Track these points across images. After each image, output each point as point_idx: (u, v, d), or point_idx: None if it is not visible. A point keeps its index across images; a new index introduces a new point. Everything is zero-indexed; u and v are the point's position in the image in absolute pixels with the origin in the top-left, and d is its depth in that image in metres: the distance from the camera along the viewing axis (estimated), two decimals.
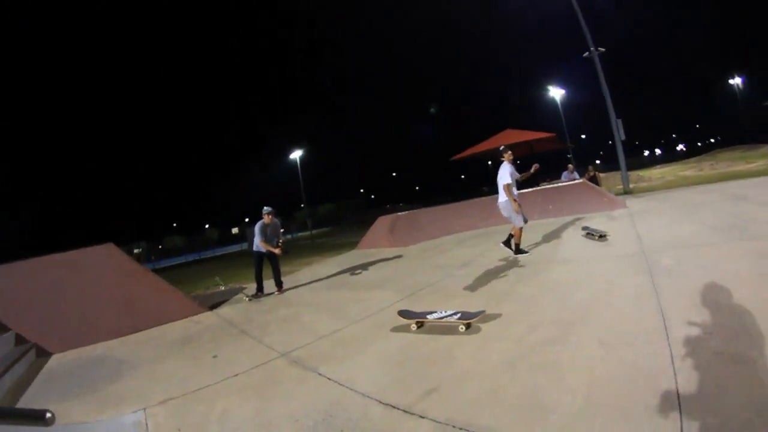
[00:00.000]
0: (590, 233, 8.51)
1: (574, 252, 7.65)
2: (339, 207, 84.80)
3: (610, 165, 42.85)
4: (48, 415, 1.33)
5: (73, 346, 6.54)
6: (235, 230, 75.26)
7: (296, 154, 42.52)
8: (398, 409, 3.03)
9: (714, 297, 3.95)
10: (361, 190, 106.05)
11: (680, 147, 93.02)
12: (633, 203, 13.27)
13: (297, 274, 11.34)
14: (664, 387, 2.63)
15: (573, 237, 9.00)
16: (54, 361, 6.10)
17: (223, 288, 11.17)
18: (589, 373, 3.03)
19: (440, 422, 2.76)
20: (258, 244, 8.71)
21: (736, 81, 56.65)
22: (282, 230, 9.30)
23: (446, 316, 4.59)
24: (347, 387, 3.57)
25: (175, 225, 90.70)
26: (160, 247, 74.13)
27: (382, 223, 15.14)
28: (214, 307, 8.30)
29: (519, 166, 8.22)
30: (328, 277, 9.91)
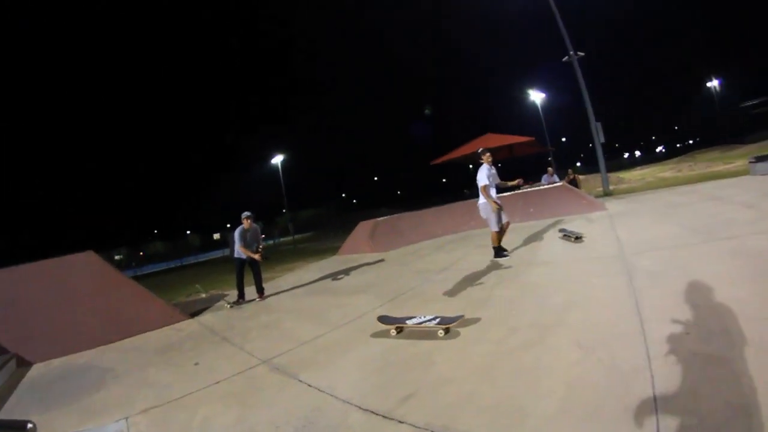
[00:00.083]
0: (567, 235, 8.69)
1: (553, 254, 7.77)
2: (321, 212, 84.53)
3: (591, 167, 43.44)
4: (29, 425, 1.37)
5: (55, 355, 6.47)
6: (216, 236, 74.67)
7: (278, 159, 42.42)
8: (377, 414, 3.08)
9: (691, 298, 4.04)
10: (343, 195, 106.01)
11: (659, 149, 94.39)
12: (612, 205, 13.49)
13: (279, 280, 11.32)
14: (641, 388, 2.68)
15: (552, 239, 9.14)
16: (35, 371, 6.04)
17: (204, 295, 11.12)
18: (566, 376, 3.08)
19: (419, 427, 2.81)
20: (238, 250, 8.72)
21: (714, 83, 57.97)
22: (263, 236, 9.30)
23: (425, 322, 4.65)
24: (327, 393, 3.61)
25: (156, 231, 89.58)
26: (141, 253, 73.24)
27: (363, 228, 15.17)
28: (195, 314, 8.25)
29: (499, 169, 8.32)
30: (309, 283, 9.91)
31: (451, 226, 14.66)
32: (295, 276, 11.84)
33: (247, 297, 8.82)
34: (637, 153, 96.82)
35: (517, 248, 8.73)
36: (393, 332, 4.81)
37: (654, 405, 2.48)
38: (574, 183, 16.72)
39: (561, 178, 17.37)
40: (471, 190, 7.88)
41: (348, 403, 3.35)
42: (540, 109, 37.31)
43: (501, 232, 8.03)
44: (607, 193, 18.72)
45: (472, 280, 6.86)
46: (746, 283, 4.11)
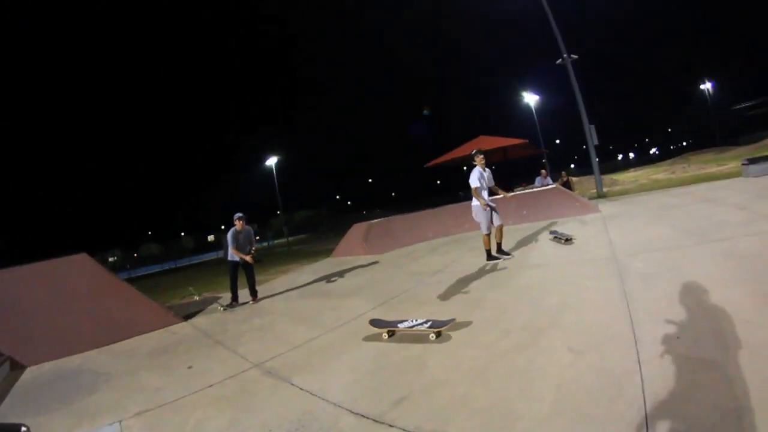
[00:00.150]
0: (557, 237, 8.77)
1: (546, 257, 7.80)
2: (315, 214, 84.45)
3: (585, 169, 43.66)
4: (23, 429, 1.40)
5: (48, 358, 6.46)
6: (211, 238, 74.58)
7: (272, 161, 42.37)
8: (368, 418, 3.10)
9: (683, 300, 4.08)
10: (337, 197, 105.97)
11: (653, 150, 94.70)
12: (606, 207, 13.56)
13: (272, 283, 11.33)
14: (631, 392, 2.70)
15: (545, 242, 9.18)
16: (29, 374, 6.03)
17: (197, 298, 11.11)
18: (557, 380, 3.10)
19: (409, 431, 2.84)
20: (231, 252, 8.71)
21: (707, 86, 58.36)
22: (257, 237, 9.29)
23: (417, 325, 4.68)
24: (319, 397, 3.63)
25: (150, 233, 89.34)
26: (135, 255, 73.06)
27: (357, 230, 15.19)
28: (189, 317, 8.26)
29: (493, 171, 8.37)
30: (303, 285, 9.92)
31: (445, 229, 14.69)
32: (288, 278, 11.85)
33: (241, 300, 8.82)
34: (631, 155, 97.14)
35: (510, 251, 8.75)
36: (385, 335, 4.83)
37: (644, 409, 2.50)
38: (567, 185, 16.79)
39: (555, 181, 17.44)
40: (465, 192, 7.94)
41: (339, 406, 3.37)
42: (534, 112, 37.42)
43: (499, 234, 8.09)
44: (601, 195, 18.77)
45: (465, 282, 6.89)
46: (738, 286, 4.14)
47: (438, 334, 4.52)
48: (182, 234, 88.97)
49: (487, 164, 8.27)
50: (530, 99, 37.93)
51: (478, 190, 7.86)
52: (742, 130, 49.29)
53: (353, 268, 10.94)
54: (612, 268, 5.92)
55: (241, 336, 6.34)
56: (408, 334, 4.75)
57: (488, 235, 8.01)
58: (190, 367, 5.20)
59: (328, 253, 16.16)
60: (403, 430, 2.87)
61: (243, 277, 8.85)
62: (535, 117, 37.08)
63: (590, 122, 19.25)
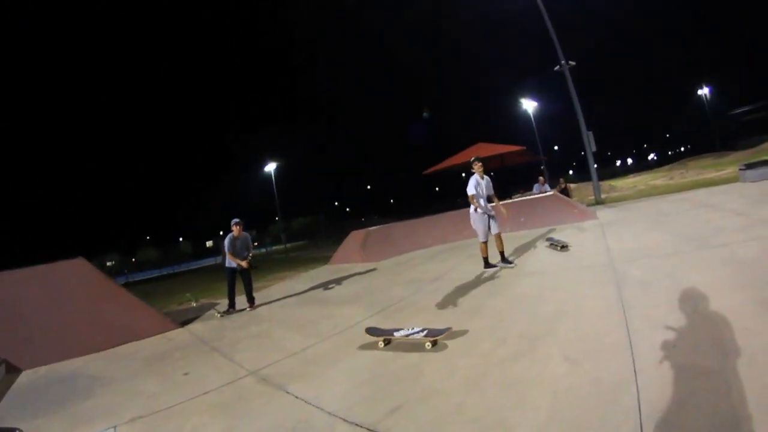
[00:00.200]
0: (553, 244, 8.79)
1: (543, 264, 7.79)
2: (313, 220, 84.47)
3: (583, 175, 43.66)
4: None
5: (44, 362, 6.48)
6: (209, 243, 74.53)
7: (271, 167, 42.43)
8: (363, 427, 3.09)
9: (680, 307, 4.05)
10: (336, 203, 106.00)
11: (651, 156, 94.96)
12: (604, 213, 13.52)
13: (270, 289, 11.34)
14: (626, 402, 2.67)
15: (543, 249, 9.16)
16: (24, 377, 6.04)
17: (194, 304, 11.11)
18: (553, 389, 3.09)
19: None
20: (228, 258, 8.71)
21: (704, 91, 58.64)
22: (255, 243, 9.30)
23: (412, 334, 4.67)
24: (314, 405, 3.62)
25: (148, 237, 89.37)
26: (133, 259, 73.06)
27: (355, 238, 15.18)
28: (185, 323, 8.26)
29: (491, 178, 8.37)
30: (300, 292, 9.92)
31: (443, 236, 14.63)
32: (286, 285, 11.86)
33: (238, 306, 8.82)
34: (630, 160, 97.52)
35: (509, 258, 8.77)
36: (381, 344, 4.83)
37: (639, 419, 2.49)
38: (565, 192, 16.80)
39: (553, 188, 17.45)
40: (464, 200, 7.95)
41: (334, 415, 3.37)
42: (532, 118, 37.52)
43: (499, 243, 8.08)
44: (599, 202, 18.77)
45: (462, 290, 6.88)
46: (737, 292, 4.12)
47: (434, 343, 4.51)
48: (180, 239, 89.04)
49: (486, 171, 8.28)
50: (529, 106, 38.05)
51: (475, 197, 7.88)
52: (740, 135, 49.52)
53: (351, 275, 10.93)
54: (609, 275, 5.91)
55: (238, 343, 6.34)
56: (404, 343, 4.74)
57: (485, 242, 8.01)
58: (186, 374, 5.20)
59: (325, 260, 16.17)
60: None
61: (240, 283, 8.85)
62: (534, 124, 37.20)
63: (588, 129, 19.31)
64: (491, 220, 7.99)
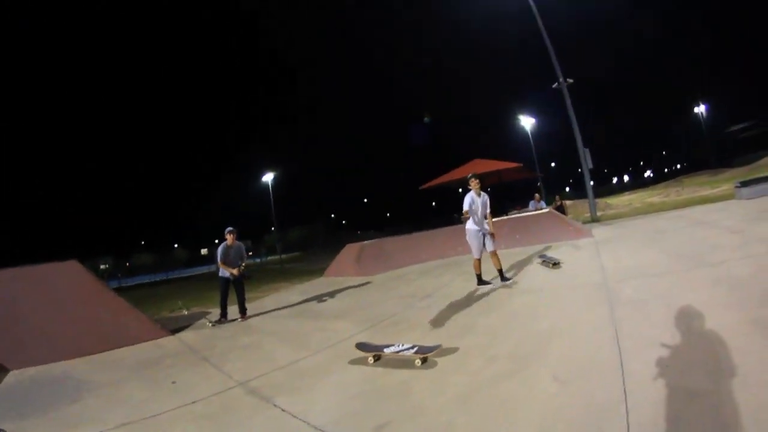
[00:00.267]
0: (545, 261, 8.82)
1: (536, 282, 7.78)
2: (309, 232, 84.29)
3: (579, 192, 44.01)
4: None
5: (33, 363, 6.42)
6: (204, 251, 74.23)
7: (268, 177, 42.48)
8: None
9: (673, 327, 4.06)
10: (332, 215, 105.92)
11: (648, 173, 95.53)
12: (599, 231, 13.58)
13: (263, 300, 11.31)
14: (616, 424, 2.66)
15: (537, 267, 9.15)
16: (12, 377, 6.00)
17: (186, 312, 11.06)
18: (542, 409, 3.08)
19: None
20: (220, 266, 8.68)
21: (701, 108, 59.10)
22: (250, 253, 9.29)
23: (403, 350, 4.68)
24: (301, 419, 3.62)
25: (143, 243, 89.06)
26: (127, 264, 72.80)
27: (349, 251, 15.19)
28: (177, 331, 8.23)
29: (489, 194, 8.38)
30: (292, 305, 9.90)
31: (438, 251, 14.62)
32: (279, 297, 11.84)
33: (230, 316, 8.79)
34: (626, 178, 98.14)
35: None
36: (371, 360, 4.83)
37: None
38: (561, 209, 16.88)
39: (548, 205, 17.52)
40: (460, 215, 8.05)
41: (321, 430, 3.36)
42: (530, 135, 37.79)
43: (496, 260, 8.03)
44: (595, 219, 18.82)
45: (454, 307, 6.87)
46: (731, 311, 4.13)
47: (424, 360, 4.52)
48: (176, 245, 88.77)
49: (483, 187, 8.29)
50: (526, 122, 38.36)
51: (468, 213, 7.87)
52: (736, 152, 49.94)
53: (344, 288, 10.93)
54: (602, 294, 5.91)
55: (228, 353, 6.32)
56: (394, 359, 4.74)
57: (478, 259, 8.02)
58: (174, 382, 5.18)
59: (320, 272, 16.15)
60: None
61: (233, 293, 8.83)
62: (531, 140, 37.46)
63: (585, 146, 19.42)
64: (486, 238, 8.00)
